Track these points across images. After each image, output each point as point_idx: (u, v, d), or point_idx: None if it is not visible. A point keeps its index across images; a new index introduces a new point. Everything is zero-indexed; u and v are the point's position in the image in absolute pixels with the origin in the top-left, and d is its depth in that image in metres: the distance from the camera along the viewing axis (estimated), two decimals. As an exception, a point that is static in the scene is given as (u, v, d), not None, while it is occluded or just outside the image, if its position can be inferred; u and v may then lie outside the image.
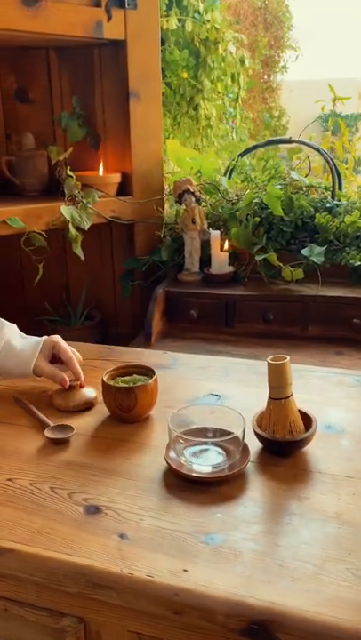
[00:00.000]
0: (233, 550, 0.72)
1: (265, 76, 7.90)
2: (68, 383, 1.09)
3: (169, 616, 0.67)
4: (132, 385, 1.01)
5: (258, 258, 1.73)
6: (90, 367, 1.28)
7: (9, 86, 1.86)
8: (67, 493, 0.84)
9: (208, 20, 3.65)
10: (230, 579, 0.67)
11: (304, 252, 1.72)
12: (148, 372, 1.06)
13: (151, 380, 1.02)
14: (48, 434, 0.97)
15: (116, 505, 0.81)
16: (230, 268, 1.81)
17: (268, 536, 0.74)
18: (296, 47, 8.03)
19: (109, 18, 1.64)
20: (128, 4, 1.66)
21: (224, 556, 0.71)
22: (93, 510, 0.80)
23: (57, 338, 1.13)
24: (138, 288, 1.91)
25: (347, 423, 1.02)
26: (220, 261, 1.81)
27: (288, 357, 0.90)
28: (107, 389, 1.02)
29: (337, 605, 0.63)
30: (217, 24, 3.65)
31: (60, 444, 0.96)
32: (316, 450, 0.93)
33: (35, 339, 1.13)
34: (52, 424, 1.00)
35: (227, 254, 1.81)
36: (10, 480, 0.87)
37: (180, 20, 3.66)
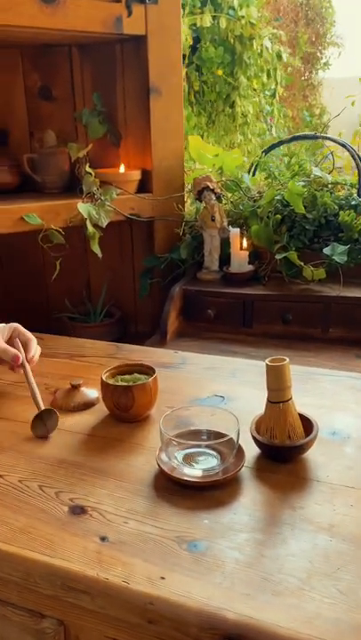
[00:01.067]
0: (215, 559, 0.69)
1: (306, 74, 7.77)
2: (21, 361, 1.06)
3: (143, 624, 0.64)
4: (130, 384, 0.99)
5: (278, 256, 1.68)
6: (96, 365, 1.27)
7: (33, 84, 1.87)
8: (54, 492, 0.82)
9: (243, 16, 3.60)
10: (208, 589, 0.64)
11: (326, 250, 1.66)
12: (149, 371, 1.04)
13: (150, 380, 0.99)
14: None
15: (102, 506, 0.79)
16: (250, 267, 1.77)
17: (254, 546, 0.71)
18: (339, 44, 7.86)
19: (129, 13, 1.63)
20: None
21: (205, 564, 0.68)
22: (78, 511, 0.78)
23: (16, 324, 1.13)
24: (157, 286, 1.89)
25: (353, 429, 0.97)
26: (240, 260, 1.77)
27: (287, 359, 0.86)
28: (105, 388, 1.00)
29: (317, 624, 0.59)
30: (252, 19, 3.60)
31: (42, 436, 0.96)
32: (317, 456, 0.89)
33: None
34: (42, 407, 0.99)
35: (247, 253, 1.77)
36: (0, 477, 0.86)
37: (214, 18, 3.63)
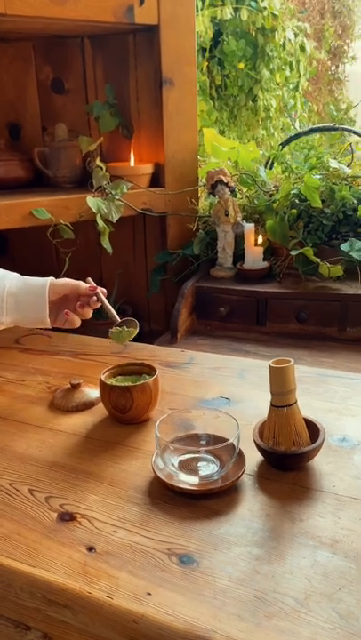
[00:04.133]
0: (207, 574, 0.64)
1: (332, 67, 7.62)
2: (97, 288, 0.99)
3: (125, 644, 0.60)
4: (128, 384, 0.95)
5: (293, 253, 1.62)
6: (102, 363, 1.23)
7: (45, 77, 1.84)
8: (44, 497, 0.79)
9: (265, 8, 3.52)
10: (197, 608, 0.60)
11: (344, 246, 1.60)
12: (150, 370, 1.00)
13: (150, 380, 0.95)
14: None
15: (93, 513, 0.75)
16: (265, 264, 1.71)
17: (248, 560, 0.66)
18: (366, 36, 7.69)
19: (141, 2, 1.58)
20: (162, -12, 1.59)
21: (195, 580, 0.64)
22: (67, 518, 0.74)
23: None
24: (170, 283, 1.84)
25: (364, 436, 0.91)
26: (255, 256, 1.71)
27: (292, 361, 0.81)
28: (103, 388, 0.96)
29: (312, 652, 0.54)
30: (274, 11, 3.52)
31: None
32: (323, 464, 0.83)
33: None
34: (119, 319, 0.99)
35: (261, 249, 1.71)
36: (-10, 479, 0.83)
37: (235, 10, 3.56)
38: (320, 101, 7.08)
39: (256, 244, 1.70)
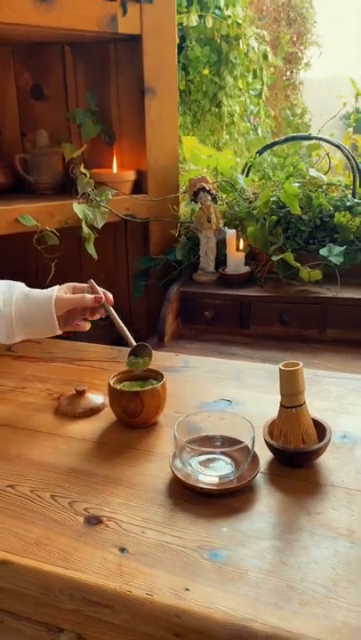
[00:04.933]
0: (238, 568, 0.68)
1: (287, 73, 7.81)
2: (103, 300, 1.01)
3: (168, 638, 0.63)
4: (138, 389, 0.97)
5: (275, 258, 1.68)
6: (98, 369, 1.25)
7: (24, 83, 1.84)
8: (67, 502, 0.81)
9: (229, 16, 3.60)
10: (234, 600, 0.64)
11: (322, 252, 1.67)
12: (157, 375, 1.03)
13: (159, 385, 0.98)
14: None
15: (118, 516, 0.77)
16: (246, 269, 1.77)
17: (275, 553, 0.70)
18: (319, 43, 7.92)
19: (125, 12, 1.61)
20: (144, -2, 1.62)
21: (228, 574, 0.67)
22: (94, 521, 0.77)
23: (70, 283, 1.06)
24: (153, 288, 1.87)
25: (363, 433, 0.97)
26: (236, 261, 1.76)
27: (301, 364, 0.86)
28: (112, 393, 0.98)
29: (346, 634, 0.59)
30: (238, 19, 3.60)
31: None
32: (329, 461, 0.89)
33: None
34: (134, 344, 1.02)
35: (243, 254, 1.76)
36: (10, 486, 0.84)
37: (200, 17, 3.62)
38: (277, 106, 7.25)
39: (238, 250, 1.76)
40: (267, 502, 0.80)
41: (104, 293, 1.04)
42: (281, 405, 0.88)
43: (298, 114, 8.00)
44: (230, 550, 0.71)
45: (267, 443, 0.88)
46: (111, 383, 0.99)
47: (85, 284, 1.06)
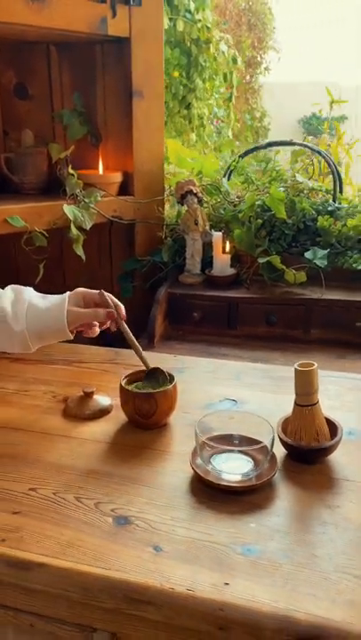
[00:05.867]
0: (271, 562, 0.71)
1: (247, 77, 7.94)
2: (115, 315, 1.00)
3: (213, 632, 0.65)
4: (151, 390, 0.99)
5: (261, 260, 1.72)
6: (99, 371, 1.25)
7: (7, 82, 1.82)
8: (93, 503, 0.81)
9: (199, 20, 3.64)
10: (274, 592, 0.66)
11: (307, 254, 1.72)
12: (166, 376, 1.04)
13: (171, 386, 1.00)
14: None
15: (146, 515, 0.79)
16: (232, 271, 1.80)
17: (304, 546, 0.73)
18: (277, 49, 8.08)
19: (114, 14, 1.61)
20: (133, 1, 1.63)
21: (263, 567, 0.70)
22: (123, 521, 0.78)
23: (80, 288, 1.04)
24: (138, 289, 1.88)
25: (367, 429, 1.01)
26: (223, 263, 1.79)
27: (316, 364, 0.89)
28: (125, 395, 0.99)
29: (385, 618, 0.62)
30: (208, 23, 3.64)
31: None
32: (339, 456, 0.92)
33: (57, 295, 1.04)
34: (149, 365, 1.02)
35: (229, 256, 1.80)
36: (32, 490, 0.84)
37: (170, 20, 3.64)
38: (238, 110, 7.35)
39: (224, 252, 1.79)
40: (287, 498, 0.83)
41: (116, 306, 1.02)
42: (296, 404, 0.91)
43: (257, 117, 8.14)
44: (261, 545, 0.73)
45: (281, 440, 0.91)
46: (123, 384, 1.00)
47: (95, 291, 1.04)
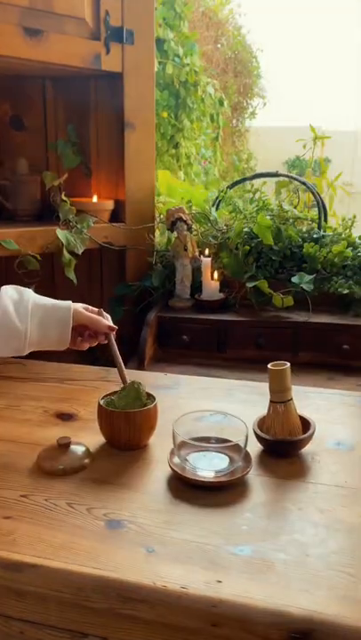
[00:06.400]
0: (264, 561, 0.71)
1: (234, 121, 8.22)
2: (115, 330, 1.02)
3: (206, 629, 0.65)
4: (129, 410, 0.96)
5: (249, 285, 1.76)
6: (91, 388, 1.26)
7: (4, 114, 1.88)
8: (85, 508, 0.81)
9: (187, 64, 3.80)
10: (267, 588, 0.66)
11: (294, 279, 1.76)
12: (148, 397, 1.01)
13: (151, 405, 0.97)
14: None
15: (138, 519, 0.79)
16: (221, 295, 1.83)
17: (296, 547, 0.74)
18: (263, 95, 8.41)
19: (108, 51, 1.69)
20: (126, 40, 1.71)
21: (257, 566, 0.70)
22: (115, 525, 0.78)
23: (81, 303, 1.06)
24: (128, 314, 1.90)
25: (355, 440, 1.03)
26: (212, 288, 1.83)
27: (288, 364, 0.94)
28: (103, 414, 0.96)
29: (378, 612, 0.63)
30: (196, 67, 3.80)
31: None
32: (330, 465, 0.94)
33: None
34: (127, 381, 1.00)
35: (218, 281, 1.83)
36: (24, 496, 0.84)
37: (160, 63, 3.80)
38: (225, 151, 7.58)
39: (213, 278, 1.83)
40: (279, 501, 0.83)
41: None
42: (271, 401, 0.96)
43: (244, 159, 8.39)
44: (254, 545, 0.74)
45: (256, 435, 0.94)
46: (101, 403, 0.98)
47: (96, 308, 1.08)
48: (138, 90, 1.79)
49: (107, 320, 1.06)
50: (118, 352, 1.04)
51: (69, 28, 1.62)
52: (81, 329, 1.05)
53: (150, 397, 1.01)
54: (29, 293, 1.02)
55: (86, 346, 1.08)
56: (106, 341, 1.07)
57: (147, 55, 1.79)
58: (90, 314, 1.04)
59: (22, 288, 1.02)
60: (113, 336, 1.06)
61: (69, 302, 1.03)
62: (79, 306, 1.05)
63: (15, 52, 1.52)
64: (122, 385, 1.02)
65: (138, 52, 1.76)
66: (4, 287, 1.01)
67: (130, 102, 1.78)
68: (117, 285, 1.90)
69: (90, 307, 1.07)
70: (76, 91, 1.85)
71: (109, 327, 1.04)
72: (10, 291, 1.00)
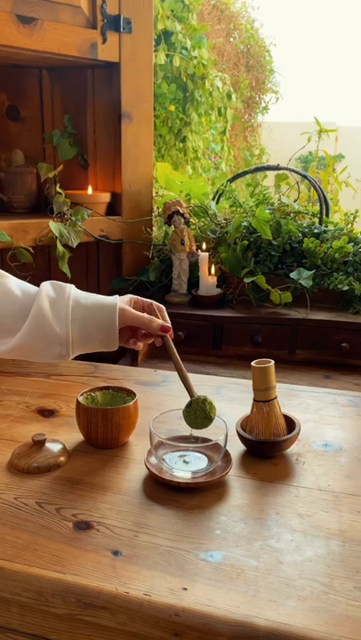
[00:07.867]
0: (234, 568, 0.68)
1: (246, 116, 8.15)
2: (170, 331, 0.87)
3: (168, 638, 0.61)
4: (107, 407, 0.92)
5: (247, 280, 1.72)
6: (77, 384, 1.24)
7: (0, 104, 1.86)
8: (54, 508, 0.78)
9: (195, 57, 3.75)
10: (234, 597, 0.63)
11: (293, 275, 1.72)
12: (129, 394, 0.98)
13: (131, 403, 0.94)
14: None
15: (108, 521, 0.76)
16: (218, 291, 1.80)
17: (270, 553, 0.70)
18: (276, 90, 8.33)
19: (104, 40, 1.66)
20: (123, 28, 1.68)
21: (225, 573, 0.67)
22: (84, 526, 0.75)
23: (130, 294, 0.92)
24: (124, 309, 1.87)
25: (343, 441, 0.99)
26: (209, 284, 1.79)
27: (272, 361, 0.91)
28: (82, 411, 0.93)
29: (347, 626, 0.59)
30: (204, 60, 3.75)
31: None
32: (315, 467, 0.90)
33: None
34: (195, 394, 0.87)
35: (215, 277, 1.80)
36: (-7, 494, 0.81)
37: (167, 56, 3.76)
38: (236, 146, 7.52)
39: (210, 273, 1.79)
40: (257, 505, 0.80)
41: (163, 318, 0.92)
42: (254, 400, 0.92)
43: (256, 154, 8.33)
44: (225, 551, 0.70)
45: (239, 435, 0.91)
46: (80, 400, 0.94)
47: (147, 300, 0.93)
48: (136, 80, 1.75)
49: (159, 317, 0.91)
50: (178, 357, 0.90)
51: (65, 17, 1.59)
52: (133, 327, 0.91)
53: (131, 394, 0.98)
54: (70, 291, 0.88)
55: (141, 346, 0.94)
56: (161, 343, 0.92)
57: (145, 45, 1.76)
58: (139, 314, 0.88)
59: (62, 284, 0.89)
60: (169, 336, 0.91)
61: (115, 300, 0.88)
62: (127, 300, 0.91)
63: (8, 41, 1.50)
64: (189, 398, 0.90)
65: (136, 42, 1.73)
66: (42, 284, 0.89)
67: (127, 93, 1.75)
68: (114, 279, 1.87)
69: (140, 299, 0.92)
70: (73, 81, 1.82)
71: (162, 328, 0.89)
72: (48, 289, 0.87)
